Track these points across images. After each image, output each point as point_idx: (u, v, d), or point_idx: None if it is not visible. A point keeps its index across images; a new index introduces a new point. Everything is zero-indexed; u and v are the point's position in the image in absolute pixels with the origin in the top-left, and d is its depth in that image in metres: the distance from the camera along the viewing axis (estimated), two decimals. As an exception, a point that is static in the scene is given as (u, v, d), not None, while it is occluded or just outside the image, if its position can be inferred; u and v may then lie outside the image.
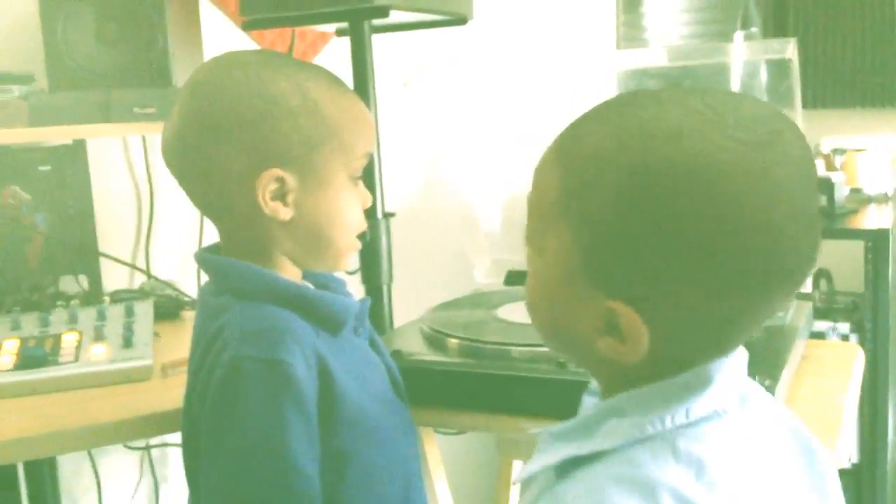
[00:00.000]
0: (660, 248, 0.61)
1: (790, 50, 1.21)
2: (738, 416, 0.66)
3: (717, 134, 0.60)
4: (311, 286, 0.98)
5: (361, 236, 0.99)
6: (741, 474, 0.64)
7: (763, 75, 2.07)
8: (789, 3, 2.69)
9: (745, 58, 1.66)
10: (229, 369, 0.85)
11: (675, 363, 0.65)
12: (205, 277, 0.98)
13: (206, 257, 0.96)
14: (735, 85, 2.06)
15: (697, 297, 0.62)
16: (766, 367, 1.00)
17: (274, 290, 0.91)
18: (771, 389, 0.96)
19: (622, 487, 0.61)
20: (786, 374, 1.04)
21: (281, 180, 0.90)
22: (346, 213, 0.95)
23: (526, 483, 0.70)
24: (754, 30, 2.40)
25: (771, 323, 1.15)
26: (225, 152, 0.89)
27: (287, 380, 0.85)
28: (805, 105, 1.27)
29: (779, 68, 1.40)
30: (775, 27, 2.66)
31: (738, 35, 2.34)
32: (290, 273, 0.95)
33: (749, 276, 0.61)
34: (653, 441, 0.63)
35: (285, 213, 0.91)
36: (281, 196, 0.91)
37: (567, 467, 0.65)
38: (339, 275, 1.05)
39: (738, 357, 0.68)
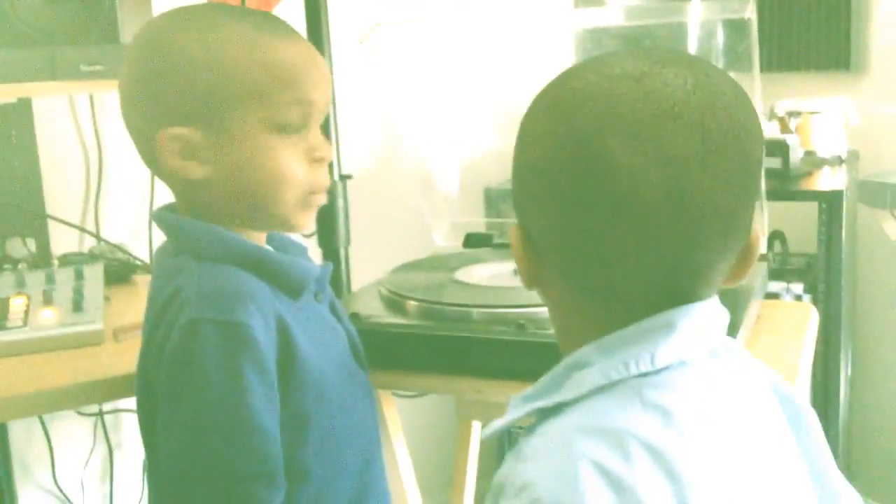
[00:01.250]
0: (530, 169, 0.66)
1: (749, 9, 1.20)
2: (707, 365, 0.66)
3: (591, 69, 0.65)
4: (272, 249, 0.96)
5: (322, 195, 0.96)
6: (709, 422, 0.63)
7: (720, 36, 2.07)
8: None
9: (703, 17, 1.66)
10: (186, 331, 0.83)
11: (620, 309, 0.65)
12: (157, 240, 0.96)
13: (163, 216, 0.93)
14: (692, 45, 2.06)
15: (570, 219, 0.64)
16: (722, 326, 1.01)
17: (234, 251, 0.89)
18: (727, 349, 0.97)
19: (589, 436, 0.60)
20: (741, 334, 1.05)
21: (182, 138, 0.87)
22: (274, 166, 0.89)
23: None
24: (712, -10, 2.39)
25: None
26: (130, 114, 0.90)
27: (245, 341, 0.83)
28: (761, 68, 1.26)
29: (737, 28, 1.40)
30: (732, -11, 2.66)
31: (696, -4, 2.34)
32: (251, 235, 0.93)
33: (608, 202, 0.61)
34: (618, 388, 0.63)
35: (198, 172, 0.88)
36: (191, 154, 0.88)
37: (534, 426, 0.65)
38: (299, 239, 1.03)
39: (707, 310, 0.66)
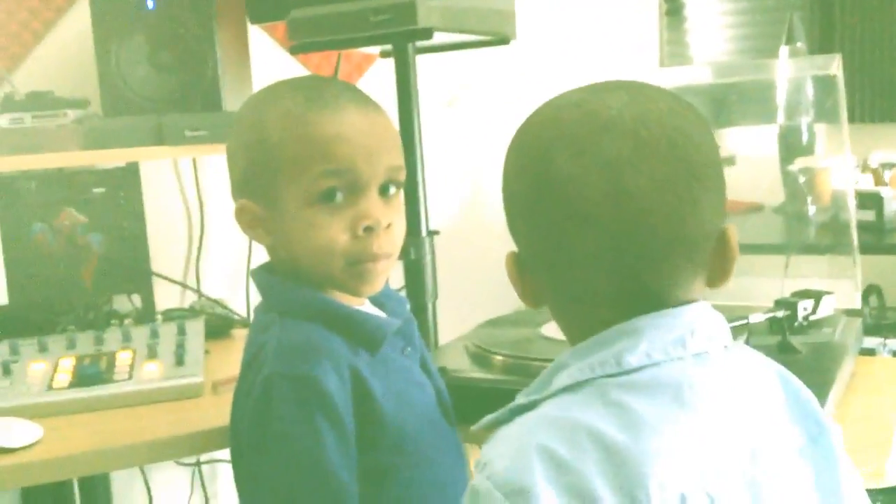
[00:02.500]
0: (506, 195, 0.73)
1: (835, 66, 1.21)
2: (684, 367, 0.68)
3: (545, 105, 0.73)
4: (353, 305, 0.97)
5: (404, 255, 1.00)
6: (675, 421, 0.65)
7: (809, 90, 2.05)
8: (835, 16, 2.67)
9: (791, 74, 1.65)
10: (263, 387, 0.88)
11: (600, 313, 0.69)
12: (254, 295, 1.00)
13: (257, 275, 0.99)
14: (780, 101, 2.04)
15: (537, 233, 0.70)
16: (814, 383, 0.99)
17: (312, 308, 0.93)
18: (819, 407, 0.95)
19: (547, 427, 0.65)
20: (834, 392, 1.03)
21: (249, 209, 0.94)
22: (313, 237, 0.91)
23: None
24: (800, 45, 2.38)
25: (819, 339, 1.14)
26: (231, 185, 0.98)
27: (317, 393, 0.86)
28: (853, 119, 1.26)
29: (824, 84, 1.40)
30: (821, 41, 2.64)
31: (783, 50, 2.33)
32: (337, 294, 0.96)
33: (559, 211, 0.67)
34: (585, 387, 0.67)
35: (264, 240, 0.95)
36: (257, 224, 0.95)
37: (511, 418, 0.70)
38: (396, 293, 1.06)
39: (686, 315, 0.69)
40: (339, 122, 0.91)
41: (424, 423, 0.97)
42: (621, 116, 0.67)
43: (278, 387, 0.86)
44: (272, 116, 0.93)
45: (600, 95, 0.70)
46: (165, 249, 1.71)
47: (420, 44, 1.39)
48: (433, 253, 1.39)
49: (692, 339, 0.69)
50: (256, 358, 0.91)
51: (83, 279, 1.57)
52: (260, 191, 0.93)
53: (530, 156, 0.70)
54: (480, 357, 1.16)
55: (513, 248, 0.75)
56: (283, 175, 0.91)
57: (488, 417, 0.74)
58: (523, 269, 0.75)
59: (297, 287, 0.94)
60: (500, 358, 1.14)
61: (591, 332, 0.70)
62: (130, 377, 1.24)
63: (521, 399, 0.72)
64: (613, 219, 0.66)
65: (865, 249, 1.28)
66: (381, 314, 1.00)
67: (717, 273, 0.72)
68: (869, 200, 2.06)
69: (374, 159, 0.92)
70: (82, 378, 1.23)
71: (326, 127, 0.91)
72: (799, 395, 0.75)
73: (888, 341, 2.10)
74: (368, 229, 0.92)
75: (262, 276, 0.98)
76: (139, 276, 1.62)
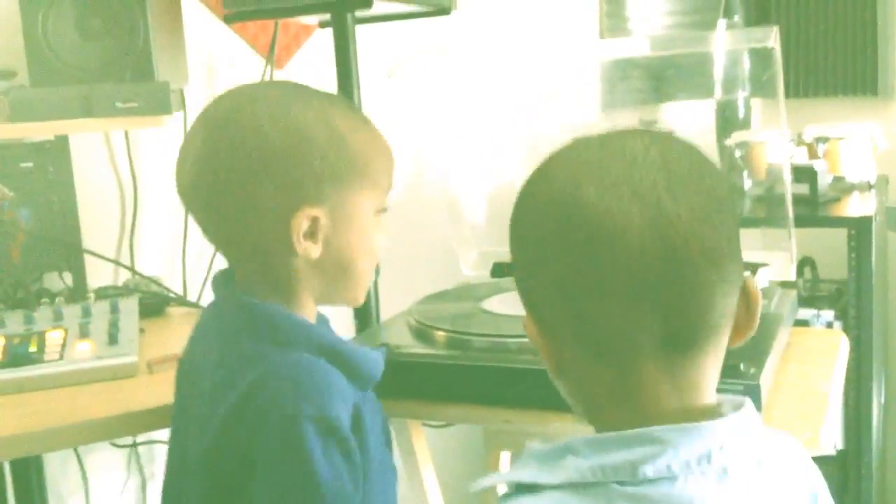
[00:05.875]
0: (524, 243, 0.70)
1: (772, 38, 1.21)
2: (702, 482, 0.64)
3: (561, 149, 0.71)
4: (344, 339, 0.95)
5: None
6: None
7: (745, 64, 2.08)
8: (771, -9, 2.70)
9: (728, 47, 1.67)
10: (287, 426, 0.82)
11: (631, 371, 0.66)
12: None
13: (244, 302, 0.91)
14: (717, 74, 2.06)
15: (567, 277, 0.66)
16: (750, 354, 1.01)
17: (310, 340, 0.89)
18: (755, 377, 0.96)
19: None
20: (770, 362, 1.04)
21: (314, 220, 0.88)
22: (372, 248, 0.93)
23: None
24: (737, 19, 2.40)
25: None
26: (257, 191, 0.87)
27: (339, 437, 0.84)
28: (788, 94, 1.27)
29: (761, 57, 1.41)
30: (757, 16, 2.66)
31: (721, 23, 2.35)
32: (307, 309, 0.93)
33: (595, 246, 0.63)
34: (593, 489, 0.63)
35: (315, 252, 0.89)
36: (311, 234, 0.89)
37: (510, 495, 0.67)
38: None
39: (717, 429, 0.65)
40: (383, 139, 0.95)
41: (384, 450, 0.96)
42: (647, 153, 0.66)
43: (306, 429, 0.82)
44: (343, 121, 0.90)
45: (619, 136, 0.69)
46: (98, 226, 1.66)
47: (360, 14, 1.36)
48: (374, 228, 1.38)
49: (720, 455, 0.64)
50: (259, 390, 0.84)
51: (11, 256, 1.52)
52: (331, 198, 0.89)
53: (554, 191, 0.67)
54: (422, 332, 1.16)
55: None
56: (363, 185, 0.91)
57: (487, 481, 0.70)
58: (545, 331, 0.70)
59: (296, 318, 0.90)
60: (441, 333, 1.13)
61: (621, 393, 0.66)
62: (62, 357, 1.20)
63: (524, 475, 0.67)
64: (655, 248, 0.63)
65: (800, 222, 1.29)
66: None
67: (743, 322, 0.69)
68: (803, 174, 2.09)
69: None
70: (12, 358, 1.19)
71: (386, 143, 0.94)
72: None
73: (821, 313, 2.15)
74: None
75: (251, 302, 0.90)
76: (70, 253, 1.57)
